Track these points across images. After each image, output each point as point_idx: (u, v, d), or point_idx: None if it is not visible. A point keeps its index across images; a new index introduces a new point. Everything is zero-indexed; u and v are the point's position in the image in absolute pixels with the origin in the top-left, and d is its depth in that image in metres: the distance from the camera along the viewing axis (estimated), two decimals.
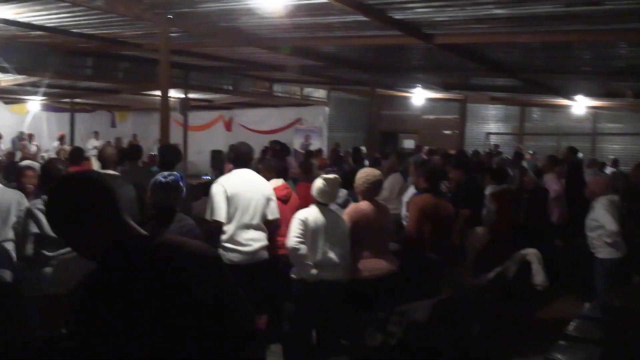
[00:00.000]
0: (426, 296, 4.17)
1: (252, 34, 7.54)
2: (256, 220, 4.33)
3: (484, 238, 5.83)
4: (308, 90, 15.39)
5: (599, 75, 9.94)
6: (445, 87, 13.32)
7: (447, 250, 4.76)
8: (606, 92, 12.22)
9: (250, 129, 17.64)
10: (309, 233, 3.96)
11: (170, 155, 5.05)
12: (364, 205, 4.21)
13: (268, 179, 4.72)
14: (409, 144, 17.24)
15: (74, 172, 1.69)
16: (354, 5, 5.36)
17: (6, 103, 17.05)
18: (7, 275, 1.98)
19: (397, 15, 6.02)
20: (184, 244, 1.58)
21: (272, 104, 16.83)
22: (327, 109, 16.32)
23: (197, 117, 17.56)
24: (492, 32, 6.71)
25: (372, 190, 4.26)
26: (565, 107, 14.92)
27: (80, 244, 1.53)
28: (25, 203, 3.94)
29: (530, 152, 14.08)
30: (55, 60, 9.55)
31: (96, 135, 17.56)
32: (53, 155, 14.41)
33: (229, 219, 4.21)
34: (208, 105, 17.20)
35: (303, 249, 3.93)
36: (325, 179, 4.11)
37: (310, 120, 16.78)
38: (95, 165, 9.61)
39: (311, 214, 4.04)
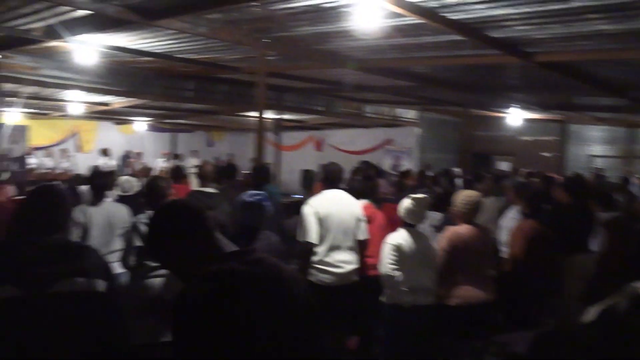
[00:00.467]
0: (526, 327, 3.92)
1: (345, 56, 7.63)
2: (347, 242, 4.31)
3: (590, 268, 5.40)
4: (399, 111, 15.29)
5: None
6: (543, 107, 12.70)
7: (549, 280, 4.47)
8: None
9: (340, 149, 17.79)
10: (403, 258, 3.87)
11: (261, 176, 5.18)
12: (463, 229, 4.04)
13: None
14: (503, 166, 16.56)
15: (167, 203, 1.88)
16: (450, 24, 5.27)
17: (116, 124, 18.45)
18: (100, 285, 2.06)
19: (495, 34, 5.84)
20: (277, 264, 1.60)
21: (363, 124, 16.89)
22: (418, 129, 16.10)
23: (289, 137, 18.00)
24: (598, 48, 6.32)
25: (471, 212, 4.09)
26: None
27: (173, 264, 1.66)
28: (131, 217, 4.19)
29: (638, 176, 13.01)
30: (160, 84, 10.22)
31: (195, 154, 18.51)
32: (158, 172, 15.41)
33: (321, 240, 4.22)
34: (300, 126, 17.59)
35: (398, 275, 3.85)
36: (413, 199, 4.03)
37: (401, 141, 16.63)
38: (195, 182, 10.09)
39: (402, 237, 3.96)
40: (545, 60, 6.79)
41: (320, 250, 4.21)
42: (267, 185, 5.46)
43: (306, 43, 6.92)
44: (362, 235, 4.44)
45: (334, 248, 4.24)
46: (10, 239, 2.21)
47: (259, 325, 1.46)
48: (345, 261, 4.27)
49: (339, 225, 4.27)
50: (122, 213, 4.41)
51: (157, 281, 3.60)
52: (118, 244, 4.17)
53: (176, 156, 16.67)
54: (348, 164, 13.45)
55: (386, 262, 3.88)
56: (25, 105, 13.18)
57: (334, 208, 4.29)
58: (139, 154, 16.90)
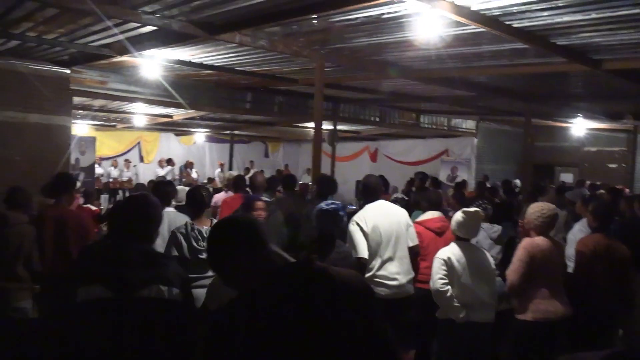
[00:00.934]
0: (595, 346, 3.73)
1: (403, 66, 7.59)
2: (399, 251, 4.24)
3: None
4: (456, 121, 15.02)
5: None
6: (610, 117, 12.16)
7: (620, 297, 4.24)
8: None
9: (395, 160, 17.65)
10: (453, 272, 3.77)
11: (327, 186, 5.20)
12: (540, 240, 3.89)
13: (424, 210, 4.64)
14: (566, 177, 15.95)
15: (228, 217, 1.96)
16: (514, 32, 5.15)
17: (176, 135, 19.06)
18: (178, 293, 2.13)
19: (561, 41, 5.66)
20: (337, 274, 1.57)
21: (418, 135, 16.71)
22: (475, 140, 15.75)
23: (343, 148, 18.02)
24: None
25: (547, 225, 3.93)
26: None
27: (228, 274, 1.68)
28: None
29: None
30: (220, 96, 10.49)
31: (251, 164, 18.84)
32: (217, 181, 15.82)
33: (373, 254, 4.15)
34: (355, 137, 17.59)
35: (449, 290, 3.75)
36: (465, 212, 3.92)
37: (458, 151, 16.32)
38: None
39: (452, 252, 3.86)
40: (614, 67, 6.51)
41: (374, 264, 4.15)
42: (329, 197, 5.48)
43: (364, 54, 6.93)
44: (412, 240, 4.36)
45: (386, 260, 4.18)
46: (106, 241, 2.32)
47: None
48: (399, 272, 4.21)
49: (388, 237, 4.20)
50: (184, 221, 4.51)
51: (200, 292, 3.66)
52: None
53: (247, 169, 17.01)
54: (403, 174, 13.38)
55: (436, 278, 3.79)
56: (94, 118, 13.86)
57: (380, 220, 4.21)
58: (191, 164, 17.37)
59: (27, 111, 7.76)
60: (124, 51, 6.68)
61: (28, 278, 4.09)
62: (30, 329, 3.71)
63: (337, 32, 5.81)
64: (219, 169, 17.73)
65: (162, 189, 4.76)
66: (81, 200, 7.65)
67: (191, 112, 12.01)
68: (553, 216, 3.93)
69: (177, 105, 10.36)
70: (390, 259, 4.19)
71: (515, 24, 5.08)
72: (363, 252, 4.12)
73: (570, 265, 5.11)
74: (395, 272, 4.18)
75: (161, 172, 15.26)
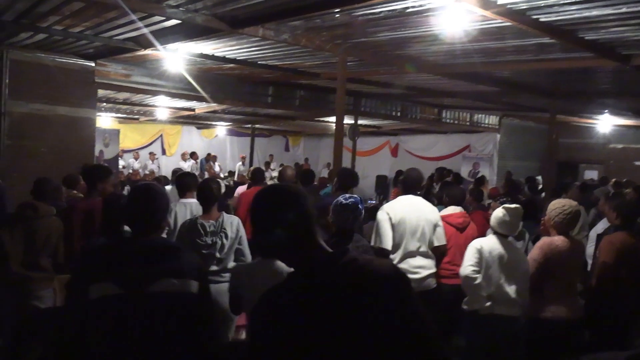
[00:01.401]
0: (615, 347, 3.67)
1: (426, 61, 7.52)
2: (423, 247, 4.25)
3: None
4: (478, 117, 14.85)
5: None
6: (638, 113, 11.89)
7: None
8: None
9: (416, 155, 17.53)
10: (485, 263, 3.75)
11: (348, 179, 5.20)
12: (558, 240, 3.82)
13: (446, 205, 4.62)
14: (590, 174, 15.67)
15: (282, 185, 1.75)
16: (541, 26, 5.05)
17: (198, 128, 19.20)
18: (194, 286, 2.11)
19: (589, 36, 5.54)
20: (372, 262, 1.56)
21: (440, 130, 16.57)
22: (498, 136, 15.56)
23: (364, 143, 17.97)
24: None
25: (568, 223, 3.85)
26: None
27: (279, 248, 1.60)
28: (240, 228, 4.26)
29: None
30: (241, 90, 10.53)
31: (271, 158, 18.89)
32: (241, 173, 15.91)
33: (396, 246, 4.17)
34: (375, 131, 17.52)
35: (478, 278, 3.73)
36: (506, 209, 3.87)
37: (480, 147, 16.14)
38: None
39: (487, 243, 3.82)
40: None
41: (395, 256, 4.17)
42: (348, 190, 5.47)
43: (387, 48, 6.88)
44: (439, 240, 4.35)
45: (409, 254, 4.19)
46: (113, 237, 2.30)
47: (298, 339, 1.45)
48: (421, 266, 4.21)
49: (414, 231, 4.21)
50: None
51: (223, 287, 3.69)
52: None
53: (267, 163, 17.10)
54: (424, 170, 13.28)
55: (467, 264, 3.76)
56: (117, 110, 14.03)
57: (408, 214, 4.23)
58: (214, 157, 17.49)
59: (53, 103, 7.89)
60: (148, 44, 6.74)
61: (50, 268, 4.15)
62: (50, 317, 3.78)
63: (360, 26, 5.78)
64: (240, 162, 17.84)
65: (182, 180, 4.80)
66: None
67: (213, 106, 12.08)
68: (574, 213, 3.85)
69: (199, 99, 10.44)
70: (413, 253, 4.20)
71: (543, 18, 4.99)
72: (387, 243, 4.13)
73: (590, 263, 5.04)
74: (416, 265, 4.19)
75: (184, 165, 15.40)
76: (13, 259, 4.00)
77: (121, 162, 15.81)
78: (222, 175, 16.04)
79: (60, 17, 5.97)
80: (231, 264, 4.01)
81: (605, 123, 12.95)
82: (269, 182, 11.21)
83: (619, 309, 4.08)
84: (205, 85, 9.55)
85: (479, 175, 13.25)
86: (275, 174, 11.78)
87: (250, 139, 18.71)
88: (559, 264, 3.76)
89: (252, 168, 9.05)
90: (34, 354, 3.58)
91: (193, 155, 16.54)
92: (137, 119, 15.96)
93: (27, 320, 3.89)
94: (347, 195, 3.69)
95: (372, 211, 5.29)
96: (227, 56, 7.89)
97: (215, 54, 7.79)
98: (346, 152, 14.74)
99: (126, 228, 2.38)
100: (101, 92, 9.82)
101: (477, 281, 3.72)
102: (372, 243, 4.21)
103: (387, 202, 5.28)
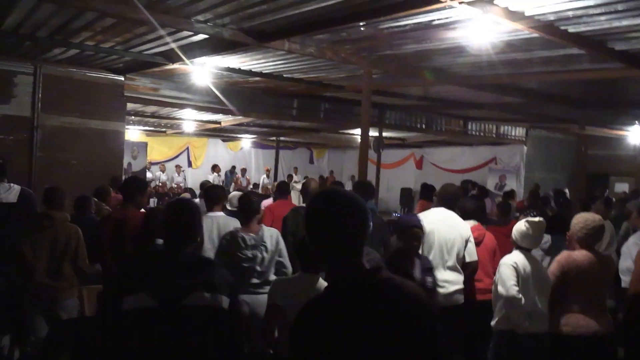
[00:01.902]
0: None
1: (451, 73, 7.49)
2: (451, 261, 4.18)
3: None
4: (505, 129, 14.68)
5: None
6: None
7: None
8: None
9: (441, 168, 17.40)
10: (520, 281, 3.67)
11: (364, 192, 5.16)
12: (579, 255, 3.74)
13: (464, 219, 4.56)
14: (621, 187, 15.30)
15: (339, 192, 1.62)
16: (569, 37, 5.00)
17: (224, 141, 19.40)
18: (225, 301, 2.11)
19: (619, 46, 5.46)
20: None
21: (465, 142, 16.42)
22: (525, 147, 15.34)
23: (388, 155, 17.91)
24: None
25: (591, 237, 3.76)
26: None
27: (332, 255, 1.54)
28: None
29: None
30: (267, 102, 10.62)
31: (295, 170, 18.94)
32: (266, 185, 16.00)
33: None
34: (400, 144, 17.46)
35: (523, 298, 3.64)
36: (529, 222, 3.80)
37: (506, 159, 15.92)
38: (295, 198, 10.33)
39: (519, 259, 3.75)
40: None
41: None
42: (367, 203, 5.44)
43: (412, 60, 6.88)
44: (470, 256, 4.28)
45: (437, 267, 4.12)
46: (149, 250, 2.33)
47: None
48: (448, 281, 4.14)
49: (443, 244, 4.15)
50: (234, 225, 4.55)
51: (241, 298, 3.67)
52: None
53: (290, 176, 17.17)
54: (450, 182, 13.16)
55: (509, 284, 3.65)
56: (145, 124, 14.29)
57: (439, 226, 4.18)
58: (243, 170, 17.62)
59: (83, 117, 8.09)
60: (176, 59, 6.87)
61: (73, 276, 4.20)
62: (77, 328, 3.82)
63: (385, 38, 5.80)
64: (264, 175, 17.95)
65: (212, 193, 4.83)
66: None
67: (239, 118, 12.21)
68: (598, 228, 3.75)
69: (225, 112, 10.56)
70: (441, 267, 4.14)
71: (571, 29, 4.94)
72: None
73: (625, 280, 4.89)
74: (444, 279, 4.12)
75: (211, 177, 15.55)
76: (36, 269, 4.08)
77: (149, 175, 16.06)
78: (248, 188, 16.16)
79: (92, 33, 6.13)
80: (272, 276, 3.99)
81: (636, 134, 12.64)
82: (292, 194, 11.23)
83: None
84: (231, 98, 9.66)
85: (507, 188, 13.07)
86: (298, 186, 11.81)
87: (275, 151, 18.82)
88: (580, 278, 3.67)
89: (276, 182, 9.09)
90: None
91: (215, 168, 16.69)
92: (164, 131, 16.21)
93: (55, 331, 3.94)
94: None
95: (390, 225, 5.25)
96: (253, 70, 7.99)
97: (242, 68, 7.89)
98: (371, 164, 14.71)
99: (158, 240, 2.40)
100: (130, 106, 10.01)
101: (523, 301, 3.64)
102: None
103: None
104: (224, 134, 17.87)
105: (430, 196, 7.15)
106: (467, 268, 4.28)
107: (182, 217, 2.23)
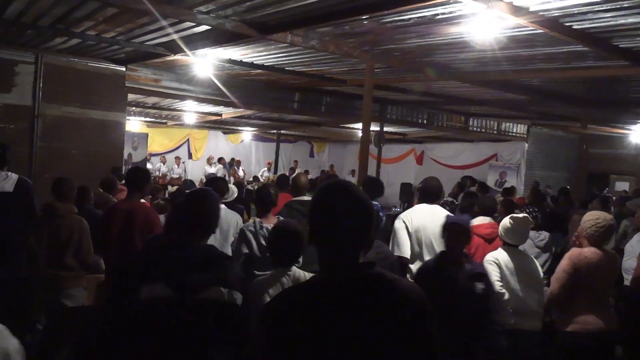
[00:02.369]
0: None
1: (453, 68, 7.46)
2: None
3: None
4: (506, 125, 14.67)
5: None
6: None
7: None
8: None
9: (442, 163, 17.38)
10: (504, 277, 3.68)
11: (373, 188, 5.12)
12: (589, 252, 3.72)
13: (474, 216, 4.53)
14: (621, 186, 15.29)
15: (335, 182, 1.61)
16: (574, 34, 4.97)
17: (224, 133, 19.37)
18: (238, 297, 2.08)
19: (624, 44, 5.43)
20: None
21: (467, 138, 16.40)
22: (526, 145, 15.32)
23: (389, 150, 17.88)
24: None
25: (602, 236, 3.75)
26: None
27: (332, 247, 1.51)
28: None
29: None
30: (268, 95, 10.59)
31: (295, 164, 18.92)
32: (265, 179, 15.98)
33: (414, 255, 4.07)
34: (401, 139, 17.43)
35: (506, 293, 3.65)
36: (513, 218, 3.81)
37: (507, 156, 15.91)
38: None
39: (500, 256, 3.76)
40: None
41: (414, 265, 4.05)
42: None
43: (415, 55, 6.85)
44: None
45: None
46: (169, 239, 2.30)
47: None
48: None
49: (431, 240, 4.08)
50: (234, 218, 4.54)
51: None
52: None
53: (292, 169, 17.13)
54: (450, 178, 13.17)
55: (493, 280, 3.68)
56: (146, 115, 14.26)
57: (427, 223, 4.09)
58: (238, 162, 17.58)
59: (84, 107, 8.06)
60: (178, 50, 6.84)
61: (77, 267, 4.19)
62: (83, 316, 3.81)
63: (388, 33, 5.76)
64: (265, 168, 17.93)
65: (215, 185, 4.80)
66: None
67: (240, 111, 12.18)
68: (608, 227, 3.75)
69: (227, 104, 10.54)
70: None
71: (576, 26, 4.91)
72: (405, 251, 4.04)
73: (628, 278, 4.90)
74: None
75: (210, 169, 15.51)
76: (41, 260, 4.07)
77: (149, 166, 16.03)
78: (248, 180, 16.13)
79: (94, 23, 6.10)
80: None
81: (637, 133, 12.63)
82: None
83: None
84: (232, 91, 9.64)
85: (507, 184, 13.06)
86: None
87: (276, 144, 18.79)
88: (589, 275, 3.66)
89: (274, 175, 9.08)
90: (62, 352, 3.62)
91: (221, 160, 16.65)
92: (165, 123, 16.17)
93: (57, 318, 3.94)
94: None
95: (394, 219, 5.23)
96: (255, 62, 7.96)
97: (244, 60, 7.86)
98: (371, 159, 14.70)
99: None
100: (131, 97, 9.99)
101: (506, 296, 3.64)
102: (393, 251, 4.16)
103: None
104: (225, 126, 17.83)
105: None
106: None
107: (203, 205, 2.20)
